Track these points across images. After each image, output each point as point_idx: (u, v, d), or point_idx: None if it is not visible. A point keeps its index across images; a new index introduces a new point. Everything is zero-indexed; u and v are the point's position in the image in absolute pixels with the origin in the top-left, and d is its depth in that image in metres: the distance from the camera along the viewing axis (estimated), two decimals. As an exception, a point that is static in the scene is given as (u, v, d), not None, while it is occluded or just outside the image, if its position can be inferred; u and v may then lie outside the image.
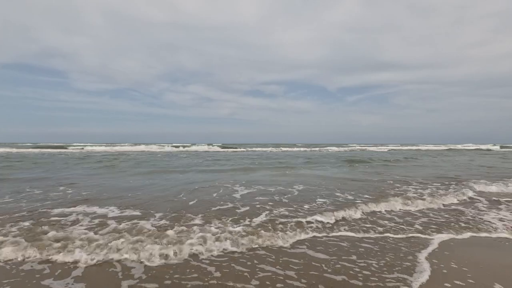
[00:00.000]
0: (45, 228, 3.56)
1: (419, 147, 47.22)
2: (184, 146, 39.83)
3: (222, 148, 37.96)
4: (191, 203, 5.17)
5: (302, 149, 39.18)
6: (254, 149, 37.97)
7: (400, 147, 47.70)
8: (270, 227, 3.75)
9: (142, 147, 34.77)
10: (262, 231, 3.55)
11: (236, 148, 38.85)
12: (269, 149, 37.45)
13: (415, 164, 14.29)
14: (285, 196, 5.81)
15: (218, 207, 4.85)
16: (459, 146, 52.60)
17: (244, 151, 32.30)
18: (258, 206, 4.94)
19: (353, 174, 9.90)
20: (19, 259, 2.79)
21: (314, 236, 3.52)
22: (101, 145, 38.61)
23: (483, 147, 48.82)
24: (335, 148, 40.60)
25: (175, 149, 33.59)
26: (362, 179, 8.59)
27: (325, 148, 42.28)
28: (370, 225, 3.99)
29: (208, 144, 48.03)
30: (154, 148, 34.25)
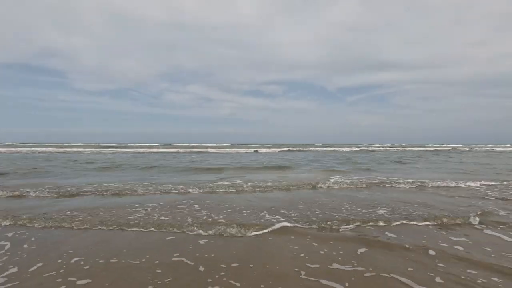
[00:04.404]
0: None
1: (431, 147, 49.15)
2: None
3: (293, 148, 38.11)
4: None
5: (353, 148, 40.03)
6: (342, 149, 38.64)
7: (420, 148, 49.46)
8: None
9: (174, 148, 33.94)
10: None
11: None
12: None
13: None
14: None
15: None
16: (501, 148, 53.42)
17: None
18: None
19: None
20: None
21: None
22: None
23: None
24: (355, 148, 41.85)
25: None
26: None
27: (333, 148, 43.47)
28: None
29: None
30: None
